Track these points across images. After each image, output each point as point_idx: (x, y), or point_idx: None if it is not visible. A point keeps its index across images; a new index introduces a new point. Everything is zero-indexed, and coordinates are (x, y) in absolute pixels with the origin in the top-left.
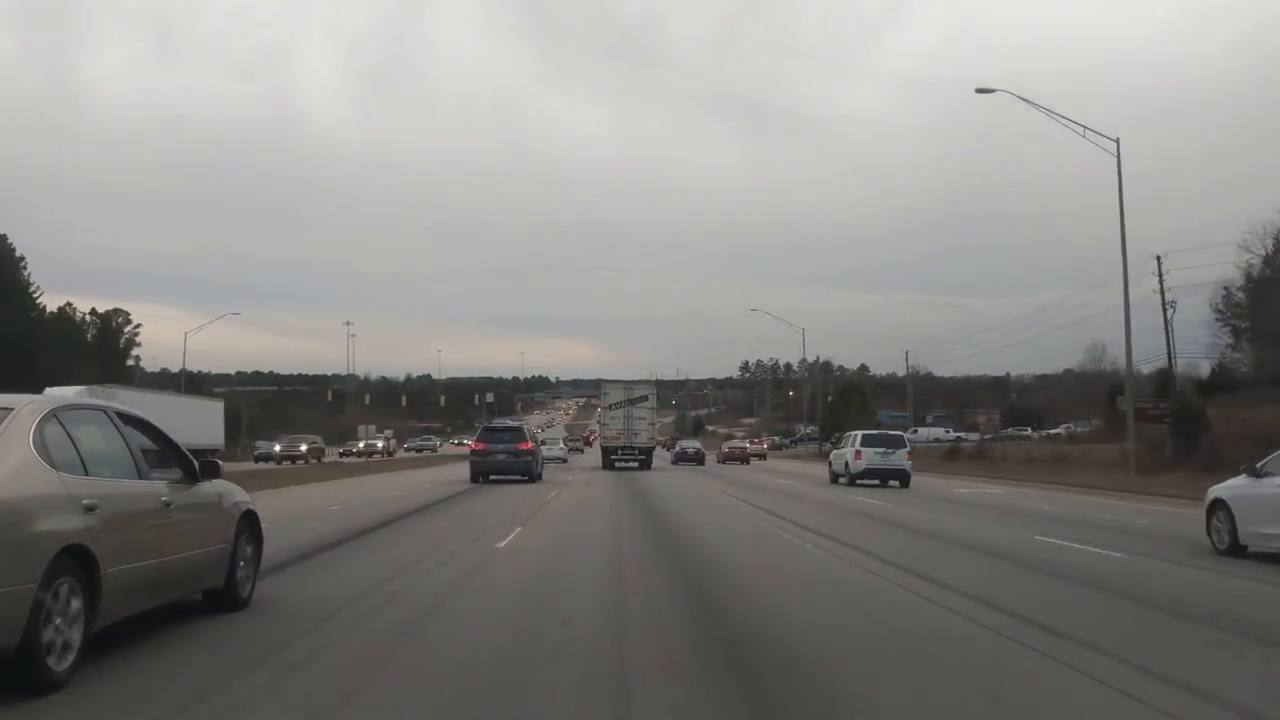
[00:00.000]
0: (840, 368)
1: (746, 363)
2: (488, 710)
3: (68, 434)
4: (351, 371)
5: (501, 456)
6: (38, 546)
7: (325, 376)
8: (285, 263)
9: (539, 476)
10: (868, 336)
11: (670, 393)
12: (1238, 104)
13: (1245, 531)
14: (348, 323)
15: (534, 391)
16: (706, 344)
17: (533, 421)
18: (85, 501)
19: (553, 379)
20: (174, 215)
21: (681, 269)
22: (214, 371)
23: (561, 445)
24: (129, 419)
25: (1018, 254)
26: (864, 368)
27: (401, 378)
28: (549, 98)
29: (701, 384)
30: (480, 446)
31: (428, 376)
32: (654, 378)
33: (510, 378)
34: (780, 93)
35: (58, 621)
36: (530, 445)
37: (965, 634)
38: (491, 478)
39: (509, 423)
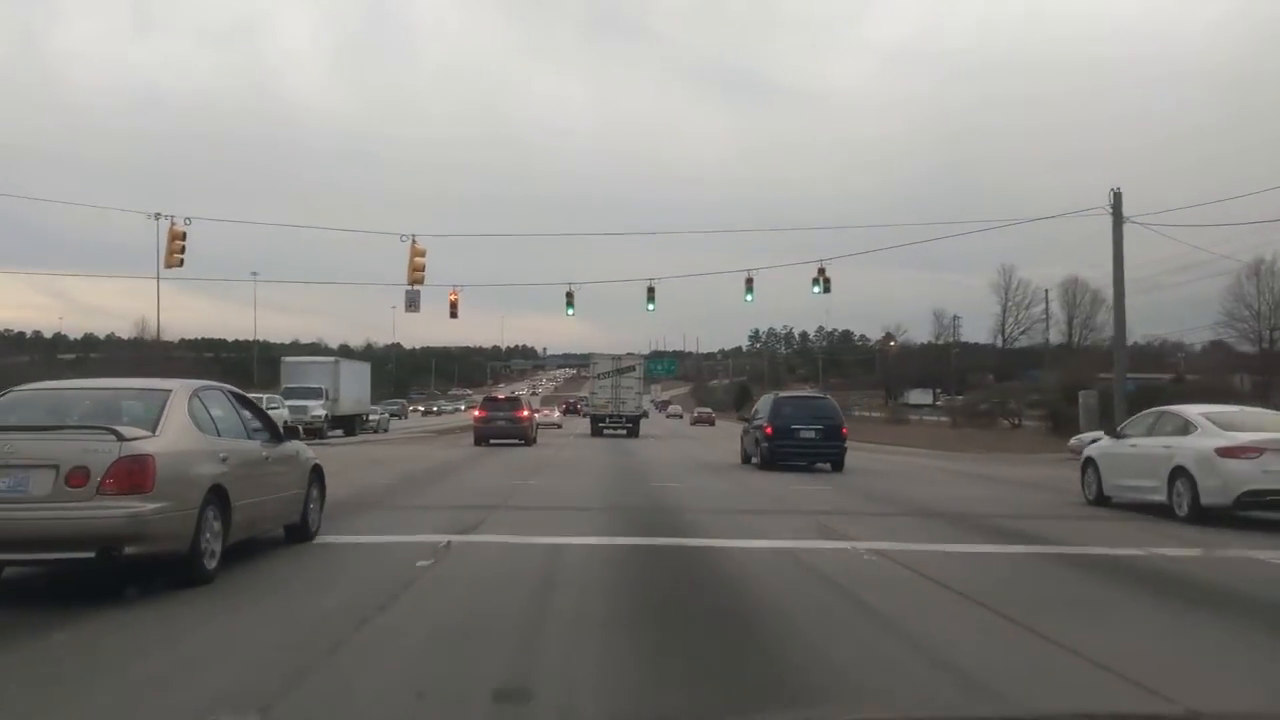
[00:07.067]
0: (861, 336)
1: (757, 331)
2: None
3: (204, 406)
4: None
5: (501, 423)
6: (198, 483)
7: (282, 345)
8: (256, 233)
9: (534, 440)
10: (857, 310)
11: (680, 364)
12: (1222, 77)
13: (1108, 484)
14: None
15: (513, 360)
16: (707, 315)
17: (506, 390)
18: (220, 454)
19: (540, 350)
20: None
21: (674, 241)
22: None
23: (558, 413)
24: (236, 395)
25: (1001, 229)
26: (889, 336)
27: (363, 346)
28: (531, 67)
29: (709, 355)
30: (483, 414)
31: (398, 345)
32: (656, 348)
33: (490, 347)
34: (768, 63)
35: (208, 535)
36: (526, 413)
37: None
38: (492, 441)
39: (511, 394)
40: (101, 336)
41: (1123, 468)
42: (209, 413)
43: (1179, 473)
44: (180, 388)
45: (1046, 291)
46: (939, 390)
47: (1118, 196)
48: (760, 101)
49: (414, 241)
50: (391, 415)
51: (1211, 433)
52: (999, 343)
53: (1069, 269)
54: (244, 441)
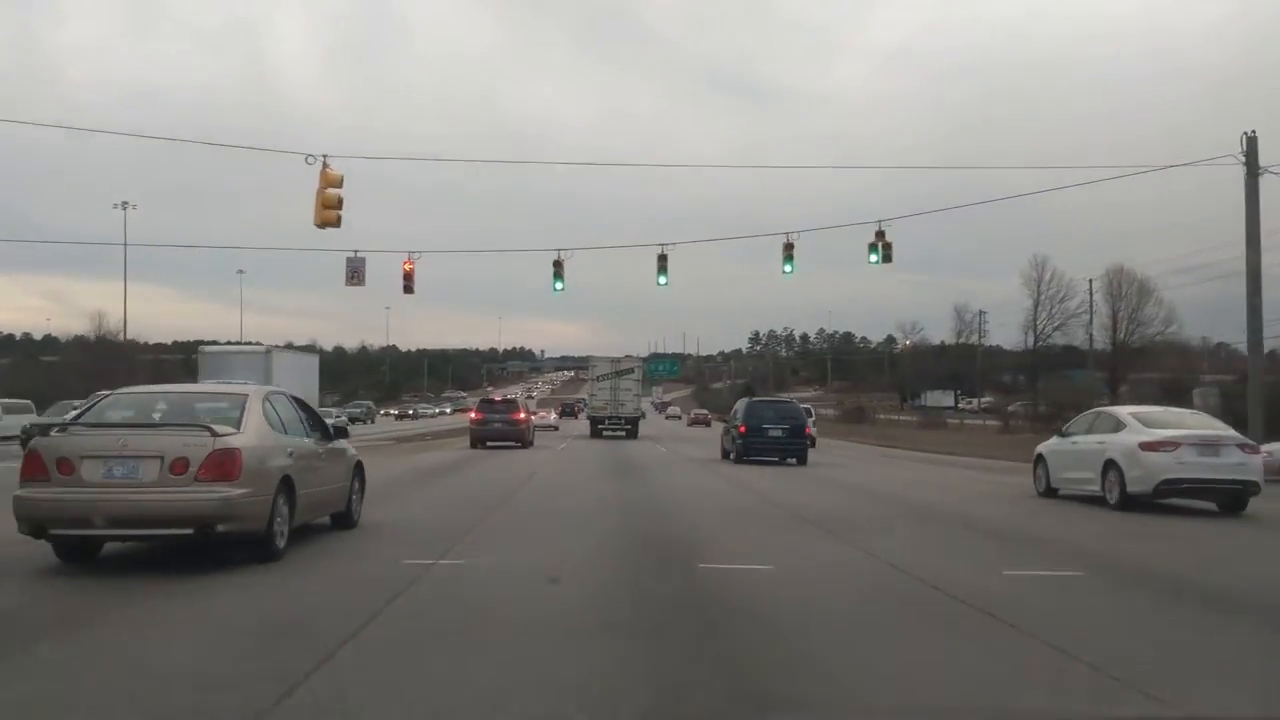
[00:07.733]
0: (863, 338)
1: (757, 333)
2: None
3: (274, 408)
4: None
5: (498, 425)
6: (272, 474)
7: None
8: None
9: (531, 443)
10: (855, 314)
11: (681, 365)
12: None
13: (1055, 477)
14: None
15: (510, 362)
16: (705, 318)
17: (501, 393)
18: (288, 450)
19: (538, 353)
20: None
21: (671, 244)
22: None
23: (555, 415)
24: (295, 398)
25: (1004, 231)
26: (891, 339)
27: (356, 348)
28: (531, 69)
29: (710, 357)
30: (479, 416)
31: (393, 347)
32: (655, 350)
33: (487, 349)
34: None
35: (279, 519)
36: (522, 415)
37: None
38: (488, 444)
39: (507, 396)
40: (92, 339)
41: (1066, 463)
42: (278, 414)
43: (1110, 465)
44: (255, 392)
45: (1091, 281)
46: (960, 392)
47: (1251, 142)
48: (761, 101)
49: (325, 165)
50: (353, 419)
51: (1138, 430)
52: (1030, 340)
53: (1083, 272)
54: (304, 439)
